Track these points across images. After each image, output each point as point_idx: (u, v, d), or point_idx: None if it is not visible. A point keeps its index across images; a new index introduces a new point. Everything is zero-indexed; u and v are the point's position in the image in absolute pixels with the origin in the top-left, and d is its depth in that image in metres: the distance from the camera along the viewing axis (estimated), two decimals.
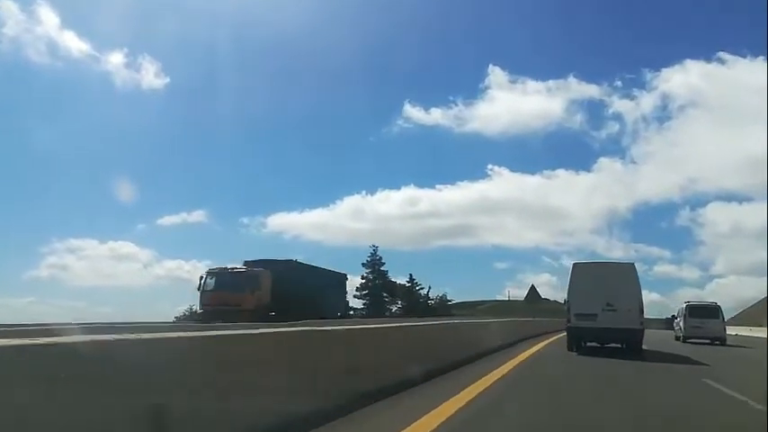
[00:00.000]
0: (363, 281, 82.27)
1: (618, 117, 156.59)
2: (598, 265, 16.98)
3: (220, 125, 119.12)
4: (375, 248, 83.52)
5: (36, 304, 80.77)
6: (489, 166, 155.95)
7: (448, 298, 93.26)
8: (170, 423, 3.47)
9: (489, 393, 7.30)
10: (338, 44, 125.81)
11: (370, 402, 5.85)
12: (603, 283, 15.22)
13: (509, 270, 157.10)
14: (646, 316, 15.97)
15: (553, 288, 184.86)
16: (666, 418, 6.48)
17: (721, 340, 25.02)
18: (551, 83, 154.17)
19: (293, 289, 32.44)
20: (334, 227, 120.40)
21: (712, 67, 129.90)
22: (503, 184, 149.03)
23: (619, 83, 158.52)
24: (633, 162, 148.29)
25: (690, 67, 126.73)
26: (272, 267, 33.85)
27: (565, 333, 16.73)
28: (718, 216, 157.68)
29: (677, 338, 26.89)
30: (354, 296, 78.60)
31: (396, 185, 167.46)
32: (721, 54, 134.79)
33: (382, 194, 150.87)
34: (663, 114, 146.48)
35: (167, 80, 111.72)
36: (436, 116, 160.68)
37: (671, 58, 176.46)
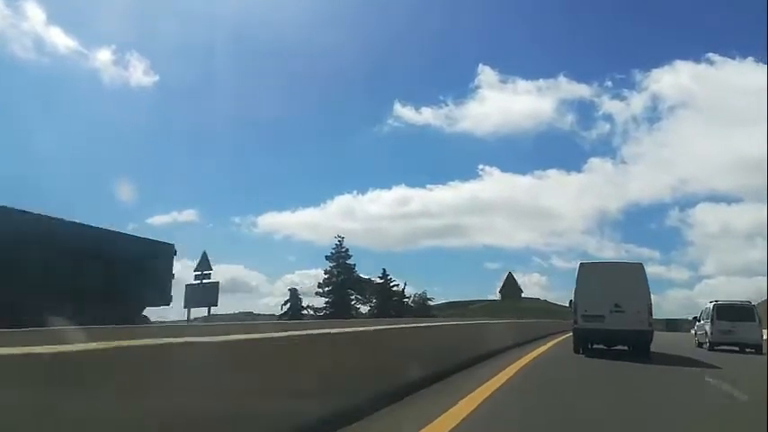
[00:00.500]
0: (326, 276, 74.30)
1: (608, 117, 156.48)
2: (606, 265, 16.41)
3: (211, 124, 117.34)
4: (341, 239, 75.35)
5: None
6: (480, 166, 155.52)
7: (428, 296, 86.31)
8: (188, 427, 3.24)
9: None
10: (329, 44, 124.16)
11: None
12: (611, 283, 14.73)
13: (500, 270, 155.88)
14: None
15: (543, 288, 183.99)
16: None
17: (757, 348, 20.04)
18: (542, 82, 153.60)
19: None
20: (325, 227, 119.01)
21: (702, 68, 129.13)
22: (494, 184, 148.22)
23: (609, 83, 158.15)
24: (624, 162, 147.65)
25: (679, 67, 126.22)
26: None
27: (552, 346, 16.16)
28: (707, 217, 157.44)
29: (700, 345, 22.32)
30: (316, 293, 73.61)
31: (387, 185, 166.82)
32: (710, 55, 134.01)
33: (373, 194, 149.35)
34: (653, 115, 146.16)
35: (156, 78, 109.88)
36: (427, 115, 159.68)
37: (661, 58, 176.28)
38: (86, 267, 18.80)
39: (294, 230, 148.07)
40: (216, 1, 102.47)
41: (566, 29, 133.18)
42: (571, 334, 16.34)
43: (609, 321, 14.34)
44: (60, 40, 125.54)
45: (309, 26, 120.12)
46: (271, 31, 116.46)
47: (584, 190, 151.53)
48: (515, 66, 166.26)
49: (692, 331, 24.74)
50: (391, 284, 79.91)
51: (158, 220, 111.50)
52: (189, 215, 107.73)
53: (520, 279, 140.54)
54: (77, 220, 20.05)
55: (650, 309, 14.44)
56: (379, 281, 79.40)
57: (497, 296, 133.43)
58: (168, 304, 23.08)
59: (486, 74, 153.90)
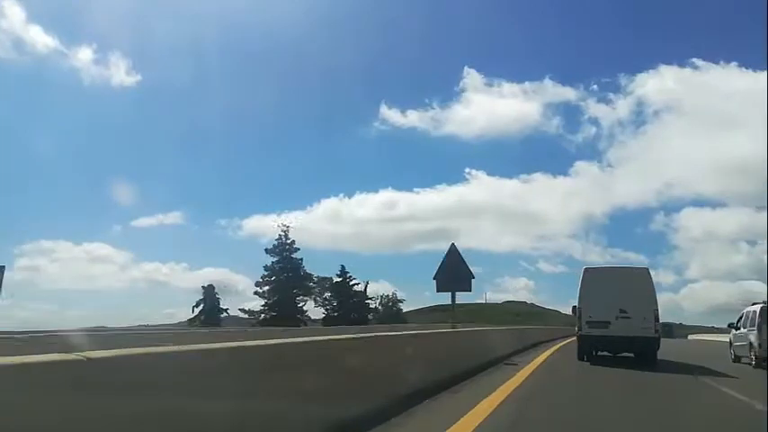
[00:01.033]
0: (266, 273, 61.14)
1: (594, 121, 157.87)
2: (611, 269, 16.18)
3: (196, 126, 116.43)
4: (286, 229, 63.10)
5: (8, 308, 76.35)
6: (467, 170, 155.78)
7: (399, 298, 77.09)
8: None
9: None
10: (315, 46, 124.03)
11: None
12: (616, 288, 14.43)
13: (488, 274, 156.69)
14: None
15: (530, 292, 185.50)
16: None
17: None
18: (527, 85, 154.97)
19: None
20: (312, 230, 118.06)
21: (686, 73, 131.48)
22: (481, 187, 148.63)
23: (595, 86, 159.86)
24: (610, 166, 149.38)
25: (664, 72, 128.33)
26: None
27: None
28: (691, 221, 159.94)
29: (737, 359, 17.26)
30: (255, 293, 62.26)
31: (374, 188, 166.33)
32: (695, 60, 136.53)
33: (360, 197, 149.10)
34: (638, 119, 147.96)
35: (139, 78, 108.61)
36: (413, 118, 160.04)
37: (646, 62, 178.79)
38: None
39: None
40: (201, 0, 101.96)
41: (551, 32, 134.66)
42: (561, 344, 16.08)
43: (614, 328, 14.05)
44: (40, 38, 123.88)
45: (295, 28, 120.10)
46: (257, 33, 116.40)
47: (570, 194, 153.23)
48: (501, 68, 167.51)
49: (728, 340, 19.22)
50: (351, 283, 68.95)
51: (144, 222, 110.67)
52: (174, 217, 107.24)
53: (507, 283, 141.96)
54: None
55: (657, 315, 14.08)
56: (336, 279, 68.50)
57: (484, 299, 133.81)
58: None
59: (472, 77, 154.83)
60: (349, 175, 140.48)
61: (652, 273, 15.11)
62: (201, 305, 63.49)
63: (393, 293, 77.86)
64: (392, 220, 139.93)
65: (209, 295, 63.86)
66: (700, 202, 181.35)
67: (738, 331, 17.33)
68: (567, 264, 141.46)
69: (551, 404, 7.81)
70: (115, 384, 2.76)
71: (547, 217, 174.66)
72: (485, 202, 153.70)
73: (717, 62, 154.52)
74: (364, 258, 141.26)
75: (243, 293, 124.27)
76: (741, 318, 17.40)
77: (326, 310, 67.73)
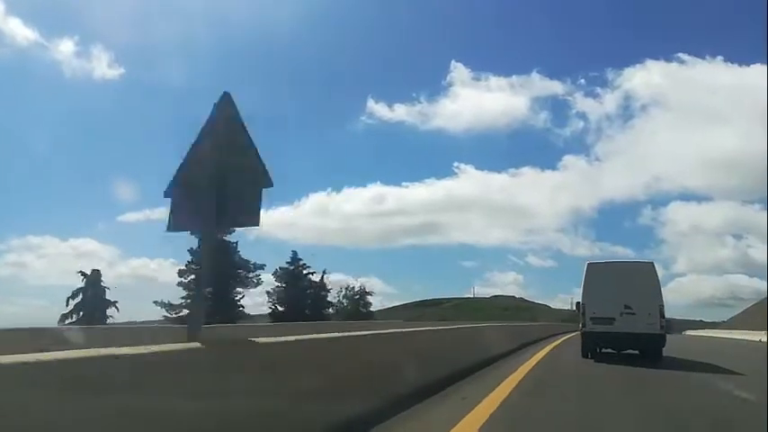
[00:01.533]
0: (192, 259, 46.13)
1: (582, 115, 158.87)
2: (615, 264, 15.60)
3: (182, 119, 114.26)
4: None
5: None
6: (456, 164, 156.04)
7: (367, 290, 64.33)
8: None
9: None
10: (301, 39, 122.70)
11: None
12: (621, 284, 14.10)
13: (476, 268, 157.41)
14: None
15: (519, 286, 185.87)
16: None
17: None
18: (514, 78, 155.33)
19: None
20: (300, 225, 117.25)
21: (673, 67, 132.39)
22: (469, 181, 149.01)
23: (582, 80, 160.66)
24: (598, 160, 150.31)
25: (651, 66, 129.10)
26: None
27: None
28: (678, 215, 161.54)
29: None
30: (178, 283, 49.34)
31: (362, 183, 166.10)
32: (681, 55, 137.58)
33: (348, 192, 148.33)
34: (626, 113, 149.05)
35: (122, 70, 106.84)
36: (401, 112, 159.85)
37: (632, 57, 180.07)
38: None
39: (268, 228, 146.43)
40: None
41: (538, 26, 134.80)
42: (551, 348, 15.78)
43: (619, 324, 13.77)
44: (20, 31, 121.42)
45: (282, 22, 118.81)
46: (243, 28, 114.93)
47: (558, 188, 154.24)
48: (488, 62, 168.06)
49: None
50: (306, 273, 58.88)
51: (130, 217, 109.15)
52: (161, 213, 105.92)
53: (496, 277, 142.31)
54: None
55: (663, 311, 13.83)
56: (287, 267, 58.34)
57: (472, 294, 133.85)
58: None
59: (459, 70, 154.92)
60: (337, 170, 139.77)
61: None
62: (80, 297, 51.10)
63: (361, 285, 65.18)
64: (380, 215, 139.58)
65: (93, 284, 51.58)
66: (686, 197, 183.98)
67: None
68: (556, 258, 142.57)
69: None
70: (105, 383, 2.68)
71: (535, 211, 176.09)
72: (473, 196, 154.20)
73: (703, 57, 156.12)
74: (352, 253, 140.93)
75: None
76: None
77: (272, 304, 57.41)
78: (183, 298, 48.96)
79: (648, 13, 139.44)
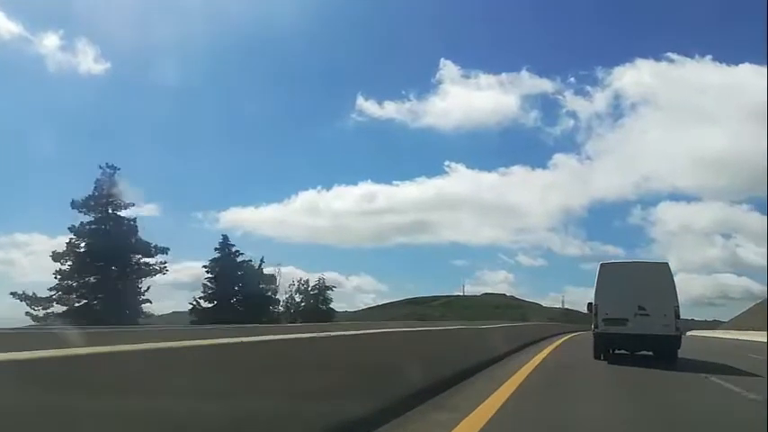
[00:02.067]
0: (73, 238, 37.84)
1: (572, 114, 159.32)
2: (628, 264, 15.36)
3: (171, 117, 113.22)
4: (112, 170, 39.98)
5: None
6: (446, 163, 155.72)
7: (327, 285, 54.28)
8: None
9: None
10: (290, 36, 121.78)
11: None
12: (635, 284, 13.82)
13: (467, 267, 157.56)
14: None
15: (510, 285, 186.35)
16: None
17: None
18: (504, 76, 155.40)
19: None
20: (290, 223, 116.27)
21: (662, 67, 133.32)
22: (459, 180, 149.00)
23: (572, 79, 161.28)
24: (588, 158, 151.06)
25: (640, 65, 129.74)
26: None
27: None
28: (668, 215, 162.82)
29: None
30: (56, 272, 37.53)
31: (352, 181, 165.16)
32: (670, 54, 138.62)
33: (339, 190, 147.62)
34: (616, 112, 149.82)
35: (108, 65, 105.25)
36: (390, 110, 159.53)
37: (622, 56, 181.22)
38: None
39: (257, 226, 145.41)
40: None
41: (528, 23, 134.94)
42: (550, 350, 15.46)
43: (632, 325, 13.51)
44: (3, 24, 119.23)
45: (271, 20, 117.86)
46: (232, 26, 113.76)
47: (549, 187, 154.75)
48: (477, 60, 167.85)
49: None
50: (240, 261, 48.05)
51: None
52: (150, 210, 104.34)
53: (487, 276, 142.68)
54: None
55: (677, 312, 13.52)
56: (215, 253, 47.35)
57: (462, 292, 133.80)
58: None
59: (449, 68, 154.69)
60: (327, 167, 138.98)
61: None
62: None
63: (319, 279, 54.80)
64: (371, 213, 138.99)
65: None
66: (676, 196, 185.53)
67: None
68: (547, 257, 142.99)
69: None
70: (104, 382, 2.64)
71: (526, 210, 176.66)
72: (464, 194, 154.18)
73: (692, 56, 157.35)
74: (342, 252, 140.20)
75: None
76: None
77: (194, 301, 46.82)
78: (52, 289, 37.14)
79: (638, 12, 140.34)
